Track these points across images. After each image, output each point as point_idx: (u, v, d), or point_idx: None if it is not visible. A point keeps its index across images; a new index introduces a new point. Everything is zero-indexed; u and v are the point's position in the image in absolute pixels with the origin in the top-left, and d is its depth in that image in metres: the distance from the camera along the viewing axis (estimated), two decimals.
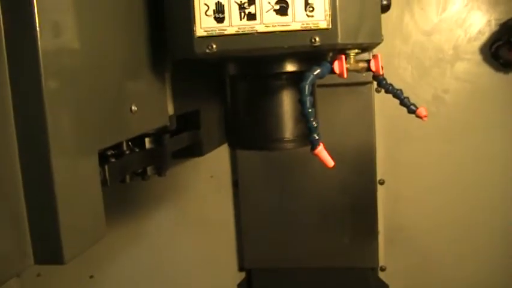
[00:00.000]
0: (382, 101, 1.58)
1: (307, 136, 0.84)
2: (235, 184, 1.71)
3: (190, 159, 1.70)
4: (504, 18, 1.53)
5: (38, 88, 0.62)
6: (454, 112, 1.60)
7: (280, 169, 1.65)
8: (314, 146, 0.81)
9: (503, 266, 1.65)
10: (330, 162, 0.82)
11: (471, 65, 1.58)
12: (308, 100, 0.80)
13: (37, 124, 0.63)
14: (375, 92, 1.58)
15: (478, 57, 1.57)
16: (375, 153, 1.61)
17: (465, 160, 1.62)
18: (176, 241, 1.78)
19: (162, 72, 0.98)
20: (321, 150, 0.81)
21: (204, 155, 1.27)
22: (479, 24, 1.56)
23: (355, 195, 1.62)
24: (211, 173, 1.73)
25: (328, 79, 1.44)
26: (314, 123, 0.80)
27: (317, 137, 0.81)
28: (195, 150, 1.24)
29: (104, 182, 0.80)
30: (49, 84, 0.63)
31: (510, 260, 1.65)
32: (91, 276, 1.86)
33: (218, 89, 1.37)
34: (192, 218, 1.77)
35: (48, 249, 0.66)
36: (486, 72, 1.57)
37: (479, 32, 1.56)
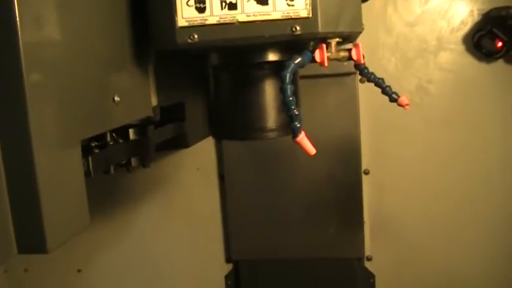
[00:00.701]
0: (366, 92, 1.59)
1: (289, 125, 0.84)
2: (221, 176, 1.71)
3: (176, 152, 1.71)
4: (486, 8, 1.54)
5: (19, 81, 0.62)
6: (438, 102, 1.61)
7: (266, 161, 1.66)
8: (295, 134, 0.82)
9: (490, 257, 1.67)
10: (312, 150, 0.83)
11: (454, 55, 1.59)
12: (289, 88, 0.81)
13: (19, 115, 0.63)
14: (359, 83, 1.59)
15: (461, 48, 1.58)
16: (360, 143, 1.62)
17: (449, 150, 1.63)
18: (163, 234, 1.79)
19: (145, 64, 0.98)
20: (303, 138, 0.82)
21: (189, 146, 1.27)
22: (462, 14, 1.57)
23: (341, 185, 1.64)
24: (197, 165, 1.73)
25: (313, 69, 1.46)
26: (295, 111, 0.81)
27: (298, 125, 0.81)
28: (180, 142, 1.24)
29: (87, 173, 0.80)
30: (31, 77, 0.63)
31: (496, 250, 1.67)
32: (79, 270, 1.86)
33: (203, 81, 1.37)
34: (178, 211, 1.77)
35: (32, 238, 0.66)
36: (469, 62, 1.58)
37: (462, 22, 1.57)
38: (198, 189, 1.75)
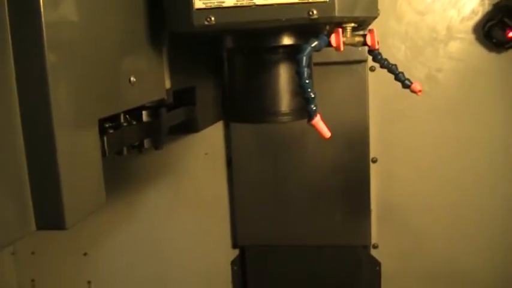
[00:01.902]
0: (376, 80, 1.59)
1: (303, 109, 0.85)
2: (229, 162, 1.72)
3: (185, 137, 1.71)
4: None
5: (41, 60, 0.63)
6: (447, 91, 1.61)
7: (274, 147, 1.67)
8: (311, 116, 0.82)
9: (495, 247, 1.68)
10: (327, 133, 0.84)
11: (464, 45, 1.59)
12: (305, 71, 0.81)
13: (40, 94, 0.64)
14: (369, 71, 1.59)
15: (471, 37, 1.58)
16: (368, 131, 1.62)
17: (458, 139, 1.63)
18: (170, 218, 1.80)
19: (159, 46, 0.99)
20: (318, 121, 0.83)
21: (199, 131, 1.28)
22: (473, 4, 1.57)
23: (348, 173, 1.64)
24: (205, 150, 1.74)
25: (323, 57, 1.47)
26: (311, 94, 0.81)
27: (314, 108, 0.82)
28: (190, 126, 1.26)
29: (103, 153, 0.81)
30: (51, 56, 0.64)
31: (501, 241, 1.67)
32: (85, 254, 1.87)
33: (214, 66, 1.38)
34: (186, 195, 1.78)
35: (50, 215, 0.67)
36: (479, 51, 1.58)
37: (473, 11, 1.57)
38: (206, 174, 1.76)
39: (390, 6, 1.60)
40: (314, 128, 0.83)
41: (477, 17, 1.57)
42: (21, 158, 0.65)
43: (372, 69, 1.58)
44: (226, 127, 1.70)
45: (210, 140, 1.72)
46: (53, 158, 0.65)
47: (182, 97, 1.16)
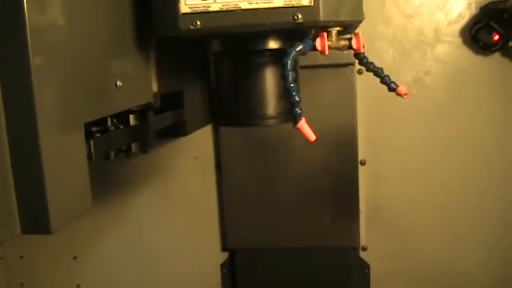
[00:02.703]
0: (363, 83, 1.60)
1: (289, 112, 0.85)
2: (218, 165, 1.72)
3: (173, 141, 1.72)
4: (484, 1, 1.55)
5: (26, 64, 0.63)
6: (435, 94, 1.62)
7: (262, 151, 1.67)
8: (296, 120, 0.83)
9: (484, 249, 1.69)
10: (312, 136, 0.84)
11: (451, 48, 1.60)
12: (290, 75, 0.82)
13: (24, 98, 0.64)
14: (357, 74, 1.60)
15: (458, 40, 1.59)
16: (357, 134, 1.63)
17: (445, 141, 1.64)
18: (159, 222, 1.80)
19: (147, 50, 0.99)
20: (303, 124, 0.83)
21: (188, 134, 1.28)
22: (460, 7, 1.58)
23: (337, 175, 1.65)
24: (194, 154, 1.74)
25: (311, 60, 1.47)
26: (296, 97, 0.82)
27: (299, 111, 0.82)
28: (179, 129, 1.26)
29: (89, 157, 0.81)
30: (36, 60, 0.64)
31: (491, 242, 1.68)
32: (75, 257, 1.87)
33: (202, 70, 1.38)
34: (175, 199, 1.78)
35: (35, 219, 0.67)
36: (466, 54, 1.59)
37: (460, 15, 1.58)
38: (195, 178, 1.76)
39: (378, 9, 1.60)
40: (299, 132, 0.84)
41: (464, 20, 1.58)
42: (6, 161, 0.65)
43: (360, 72, 1.59)
44: (215, 131, 1.70)
45: (199, 143, 1.72)
46: (38, 162, 0.65)
47: (170, 101, 1.16)
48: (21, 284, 1.92)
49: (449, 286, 1.72)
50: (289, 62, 0.82)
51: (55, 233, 0.67)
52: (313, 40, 0.88)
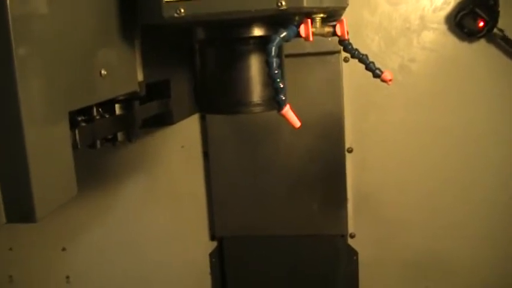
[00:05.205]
0: (350, 70, 1.61)
1: (274, 99, 0.85)
2: (206, 154, 1.73)
3: (160, 130, 1.72)
4: None
5: (8, 54, 0.63)
6: (421, 81, 1.63)
7: (250, 139, 1.68)
8: (281, 106, 0.83)
9: (471, 236, 1.70)
10: (297, 123, 0.84)
11: (437, 35, 1.60)
12: (275, 61, 0.82)
13: (8, 88, 0.64)
14: (343, 62, 1.60)
15: (444, 27, 1.60)
16: (343, 122, 1.64)
17: (432, 128, 1.65)
18: (147, 212, 1.80)
19: (131, 39, 0.98)
20: (288, 111, 0.83)
21: (174, 123, 1.29)
22: None
23: (324, 163, 1.65)
24: (181, 143, 1.74)
25: (297, 48, 1.48)
26: (280, 84, 0.82)
27: (283, 98, 0.83)
28: (165, 118, 1.26)
29: (74, 145, 0.81)
30: (19, 50, 0.64)
31: (477, 229, 1.69)
32: (63, 249, 1.87)
33: (188, 59, 1.38)
34: (163, 188, 1.78)
35: (20, 208, 0.67)
36: (451, 41, 1.60)
37: (445, 1, 1.58)
38: (182, 167, 1.76)
39: None
40: (284, 118, 0.84)
41: (449, 7, 1.58)
42: None
43: (346, 60, 1.59)
44: (203, 119, 1.70)
45: (186, 132, 1.72)
46: (22, 151, 0.65)
47: (157, 90, 1.16)
48: (10, 276, 1.91)
49: (437, 272, 1.73)
50: (273, 48, 0.82)
51: (40, 221, 0.67)
52: (298, 27, 0.88)
